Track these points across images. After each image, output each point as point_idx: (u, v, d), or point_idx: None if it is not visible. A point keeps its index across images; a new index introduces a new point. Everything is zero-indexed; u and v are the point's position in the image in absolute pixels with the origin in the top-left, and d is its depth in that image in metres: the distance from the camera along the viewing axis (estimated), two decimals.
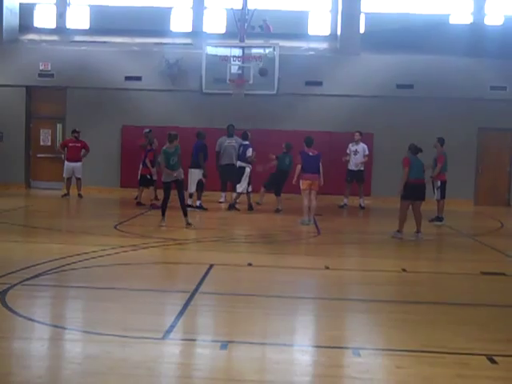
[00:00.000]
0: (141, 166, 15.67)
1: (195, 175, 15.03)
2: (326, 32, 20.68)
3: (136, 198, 15.68)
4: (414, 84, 18.64)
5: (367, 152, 16.97)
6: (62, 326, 6.15)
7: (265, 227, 13.24)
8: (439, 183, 14.22)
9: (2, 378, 4.71)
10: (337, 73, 18.88)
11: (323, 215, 14.76)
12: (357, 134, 16.89)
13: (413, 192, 11.76)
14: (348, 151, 17.02)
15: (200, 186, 15.16)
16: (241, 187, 15.09)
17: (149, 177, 15.50)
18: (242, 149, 15.39)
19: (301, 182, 13.33)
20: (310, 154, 13.40)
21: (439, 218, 14.21)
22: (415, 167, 11.88)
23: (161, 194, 17.16)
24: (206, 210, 15.01)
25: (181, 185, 12.41)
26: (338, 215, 15.82)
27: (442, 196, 14.20)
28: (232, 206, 15.25)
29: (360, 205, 16.92)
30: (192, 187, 15.04)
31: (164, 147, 12.42)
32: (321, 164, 13.44)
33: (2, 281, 7.46)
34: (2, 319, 6.09)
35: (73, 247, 9.95)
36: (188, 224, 12.27)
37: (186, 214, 12.32)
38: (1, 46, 19.28)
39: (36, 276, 7.84)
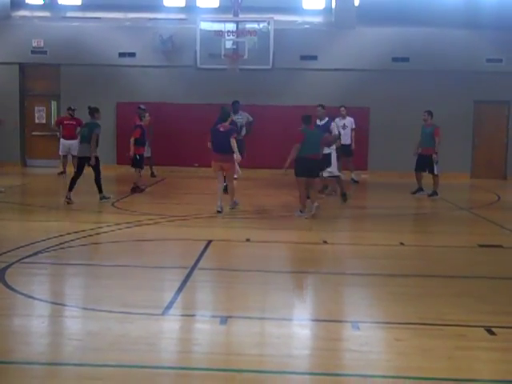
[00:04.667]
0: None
1: None
2: (321, 5, 20.46)
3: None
4: (409, 57, 18.54)
5: (354, 125, 16.92)
6: (62, 303, 6.18)
7: (261, 203, 13.23)
8: (437, 157, 14.13)
9: (3, 355, 4.74)
10: (332, 47, 18.76)
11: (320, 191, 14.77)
12: (342, 108, 16.82)
13: (305, 168, 11.02)
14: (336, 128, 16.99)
15: None
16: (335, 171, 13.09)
17: (138, 157, 14.01)
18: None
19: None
20: (221, 129, 11.59)
21: (435, 193, 14.22)
22: (310, 141, 11.05)
23: (155, 170, 17.23)
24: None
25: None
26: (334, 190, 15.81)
27: (439, 170, 14.19)
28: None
29: (353, 179, 16.89)
30: None
31: None
32: (232, 140, 11.47)
33: (0, 259, 7.46)
34: (1, 297, 6.12)
35: (70, 225, 9.97)
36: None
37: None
38: None
39: (34, 254, 7.85)
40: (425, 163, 14.22)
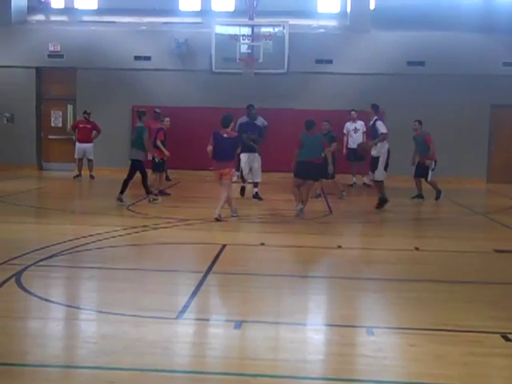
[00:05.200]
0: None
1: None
2: (336, 9, 20.46)
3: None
4: (425, 61, 18.48)
5: (365, 129, 16.91)
6: (77, 306, 6.21)
7: (276, 207, 13.23)
8: (433, 164, 14.01)
9: (19, 357, 4.77)
10: (347, 50, 18.75)
11: (334, 194, 14.76)
12: (353, 112, 16.86)
13: (303, 171, 11.40)
14: (345, 131, 17.01)
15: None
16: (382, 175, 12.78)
17: (158, 160, 13.69)
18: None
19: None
20: (225, 135, 11.23)
21: (439, 194, 14.20)
22: (308, 146, 11.39)
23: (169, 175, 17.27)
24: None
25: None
26: (348, 194, 15.77)
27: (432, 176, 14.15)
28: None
29: (365, 183, 16.85)
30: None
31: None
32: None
33: (16, 262, 7.52)
34: (17, 299, 6.16)
35: (86, 228, 10.01)
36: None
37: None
38: (10, 27, 19.24)
39: (50, 257, 7.90)
40: (421, 170, 14.13)
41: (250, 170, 13.95)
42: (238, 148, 11.66)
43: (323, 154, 11.64)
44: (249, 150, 13.67)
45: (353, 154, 16.82)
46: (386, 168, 12.66)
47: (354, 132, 16.84)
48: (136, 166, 12.78)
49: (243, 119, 16.10)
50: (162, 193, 13.97)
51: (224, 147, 11.07)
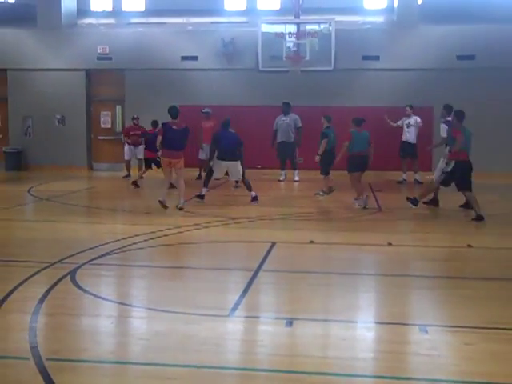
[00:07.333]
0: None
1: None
2: (383, 5, 20.25)
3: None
4: (475, 54, 18.09)
5: (421, 124, 16.73)
6: (130, 303, 6.31)
7: (324, 205, 13.19)
8: (453, 163, 11.29)
9: (76, 353, 4.88)
10: (394, 46, 18.52)
11: (383, 191, 14.64)
12: (407, 108, 16.69)
13: (358, 163, 12.30)
14: (400, 124, 16.82)
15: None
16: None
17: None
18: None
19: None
20: (174, 127, 11.92)
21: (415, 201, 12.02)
22: (358, 140, 12.25)
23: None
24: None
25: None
26: (397, 191, 15.60)
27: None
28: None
29: (416, 180, 16.61)
30: None
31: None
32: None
33: (71, 260, 7.69)
34: (72, 297, 6.30)
35: (137, 227, 10.16)
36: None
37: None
38: (60, 30, 19.64)
39: (103, 255, 8.05)
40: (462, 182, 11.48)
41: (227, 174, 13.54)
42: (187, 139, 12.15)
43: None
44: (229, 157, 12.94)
45: (403, 149, 16.64)
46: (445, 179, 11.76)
47: (407, 127, 16.67)
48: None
49: (279, 117, 16.27)
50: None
51: (175, 138, 11.77)
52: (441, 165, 12.28)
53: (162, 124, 12.29)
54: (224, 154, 12.84)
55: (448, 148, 11.81)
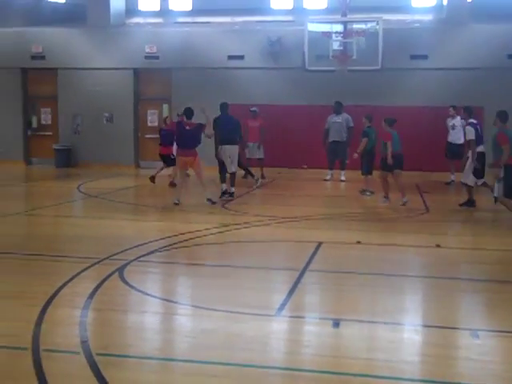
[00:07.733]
0: None
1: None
2: (432, 2, 19.96)
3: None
4: None
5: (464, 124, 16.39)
6: (176, 301, 6.37)
7: (371, 205, 13.06)
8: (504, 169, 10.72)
9: (123, 349, 4.93)
10: (443, 45, 18.19)
11: (430, 192, 14.42)
12: (450, 108, 16.32)
13: (401, 162, 12.50)
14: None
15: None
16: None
17: None
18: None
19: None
20: (187, 127, 12.25)
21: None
22: (396, 140, 12.47)
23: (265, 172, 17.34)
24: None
25: None
26: (445, 192, 15.36)
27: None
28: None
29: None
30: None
31: None
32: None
33: (119, 257, 7.78)
34: (120, 293, 6.37)
35: (184, 225, 10.25)
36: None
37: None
38: (109, 30, 19.93)
39: (150, 253, 8.12)
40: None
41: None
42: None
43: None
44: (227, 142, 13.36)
45: (449, 151, 16.34)
46: (477, 173, 12.01)
47: (452, 129, 16.33)
48: None
49: (331, 117, 16.24)
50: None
51: (187, 136, 12.07)
52: (468, 167, 12.10)
53: (177, 123, 12.80)
54: (223, 139, 13.11)
55: (478, 148, 12.01)
